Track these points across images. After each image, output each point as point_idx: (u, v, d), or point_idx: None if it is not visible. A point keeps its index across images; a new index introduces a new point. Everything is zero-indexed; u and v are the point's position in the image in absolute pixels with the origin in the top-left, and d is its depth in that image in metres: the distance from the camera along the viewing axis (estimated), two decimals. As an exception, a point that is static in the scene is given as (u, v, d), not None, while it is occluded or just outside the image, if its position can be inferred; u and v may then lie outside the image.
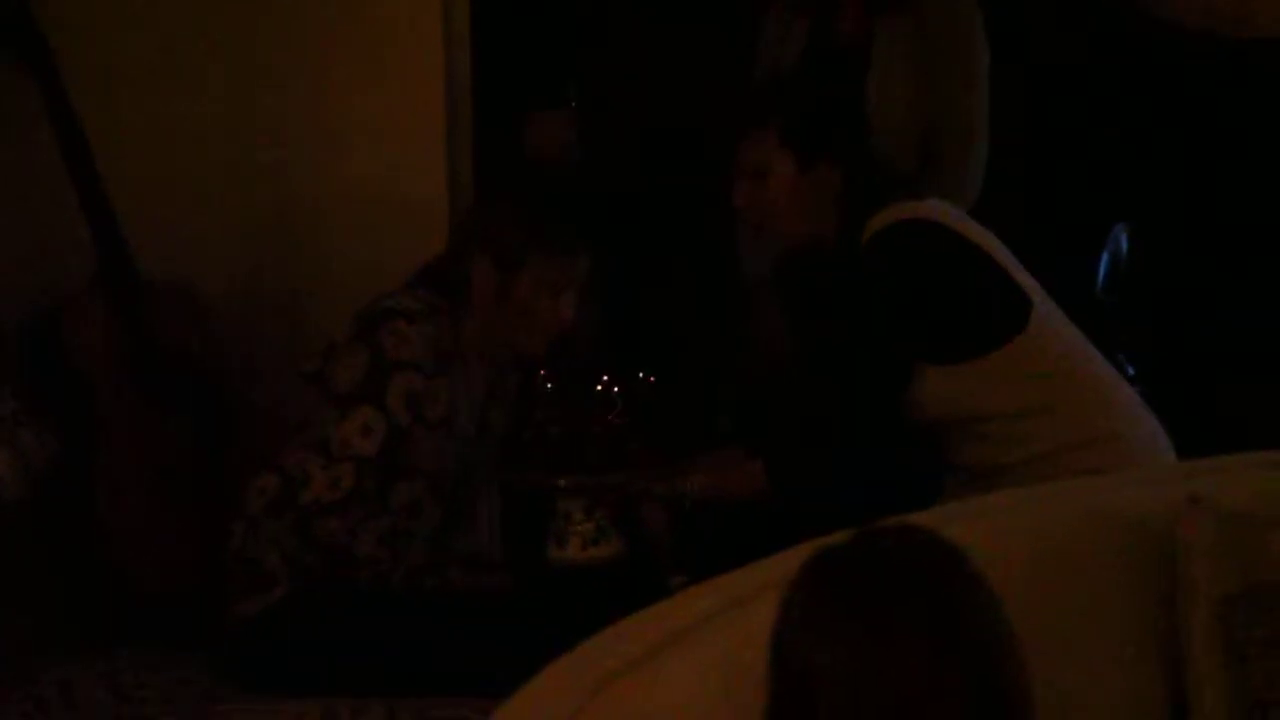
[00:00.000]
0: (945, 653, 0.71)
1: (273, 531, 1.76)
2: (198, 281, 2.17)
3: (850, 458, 1.76)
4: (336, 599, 1.76)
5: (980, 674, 0.72)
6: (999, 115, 2.12)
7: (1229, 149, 2.35)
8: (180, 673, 1.78)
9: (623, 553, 1.91)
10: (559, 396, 1.97)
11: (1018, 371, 1.77)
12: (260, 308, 2.29)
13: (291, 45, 2.28)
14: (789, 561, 0.85)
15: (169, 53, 2.24)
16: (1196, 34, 2.29)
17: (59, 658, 1.81)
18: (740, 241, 2.24)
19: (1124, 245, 2.40)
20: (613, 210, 2.40)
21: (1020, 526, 1.17)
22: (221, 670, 1.78)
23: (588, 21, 2.55)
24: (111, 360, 1.87)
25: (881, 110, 2.02)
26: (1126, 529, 1.16)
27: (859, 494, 1.63)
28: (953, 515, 1.20)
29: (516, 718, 0.93)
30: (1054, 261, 2.01)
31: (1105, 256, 2.41)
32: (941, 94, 2.10)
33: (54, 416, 1.82)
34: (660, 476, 1.88)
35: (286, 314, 2.29)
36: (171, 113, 2.23)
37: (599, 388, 1.96)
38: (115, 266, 1.94)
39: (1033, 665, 0.76)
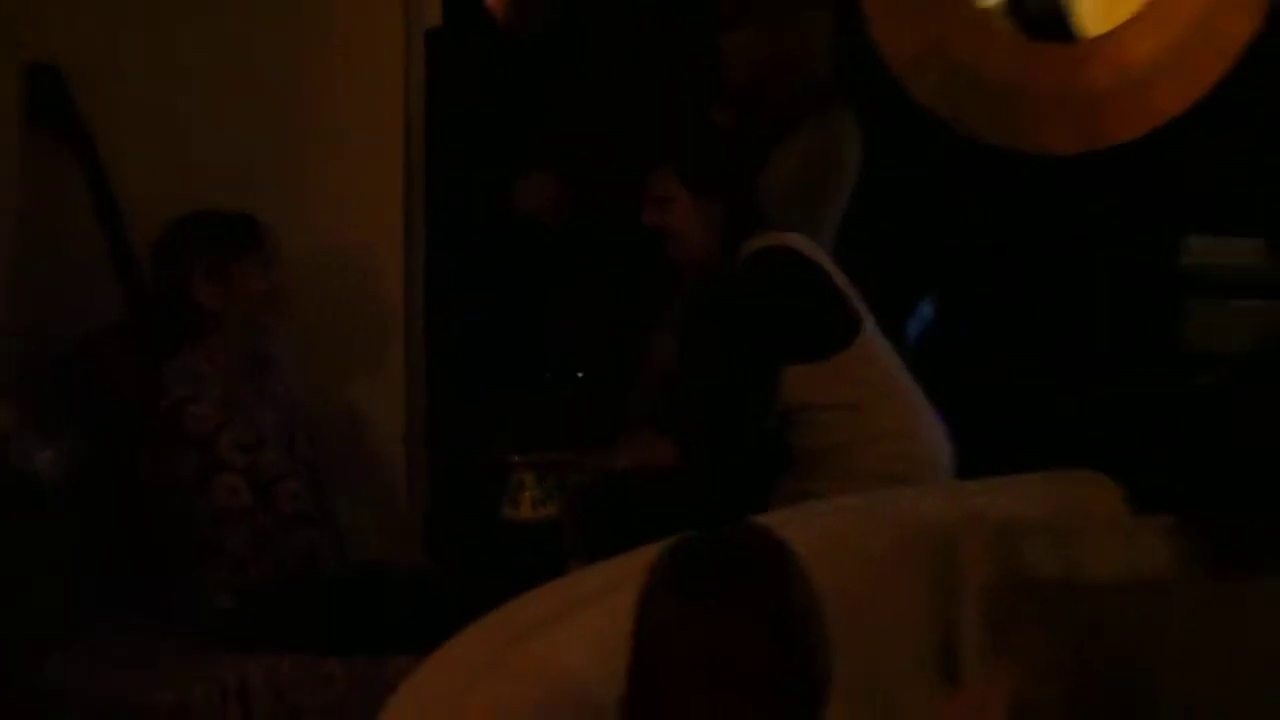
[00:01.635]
0: (765, 631, 0.91)
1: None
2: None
3: (728, 436, 2.09)
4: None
5: (789, 650, 0.91)
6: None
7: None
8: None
9: (555, 515, 2.29)
10: None
11: (840, 375, 2.12)
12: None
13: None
14: (654, 551, 1.09)
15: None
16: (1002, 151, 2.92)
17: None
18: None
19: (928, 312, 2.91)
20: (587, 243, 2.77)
21: (840, 529, 1.47)
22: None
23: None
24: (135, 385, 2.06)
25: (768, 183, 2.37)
26: (921, 535, 1.48)
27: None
28: (786, 519, 1.49)
29: (442, 666, 1.14)
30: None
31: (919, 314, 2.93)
32: (808, 196, 2.47)
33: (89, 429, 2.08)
34: (594, 454, 2.28)
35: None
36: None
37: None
38: (137, 305, 2.16)
39: (836, 638, 0.95)
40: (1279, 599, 1.38)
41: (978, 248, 3.03)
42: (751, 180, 2.27)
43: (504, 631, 1.21)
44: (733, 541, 1.00)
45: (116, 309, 2.21)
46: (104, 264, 2.21)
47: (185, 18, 2.36)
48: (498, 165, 2.77)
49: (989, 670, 1.40)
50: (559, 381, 2.84)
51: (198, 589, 2.03)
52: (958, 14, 3.12)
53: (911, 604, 1.45)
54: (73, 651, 1.96)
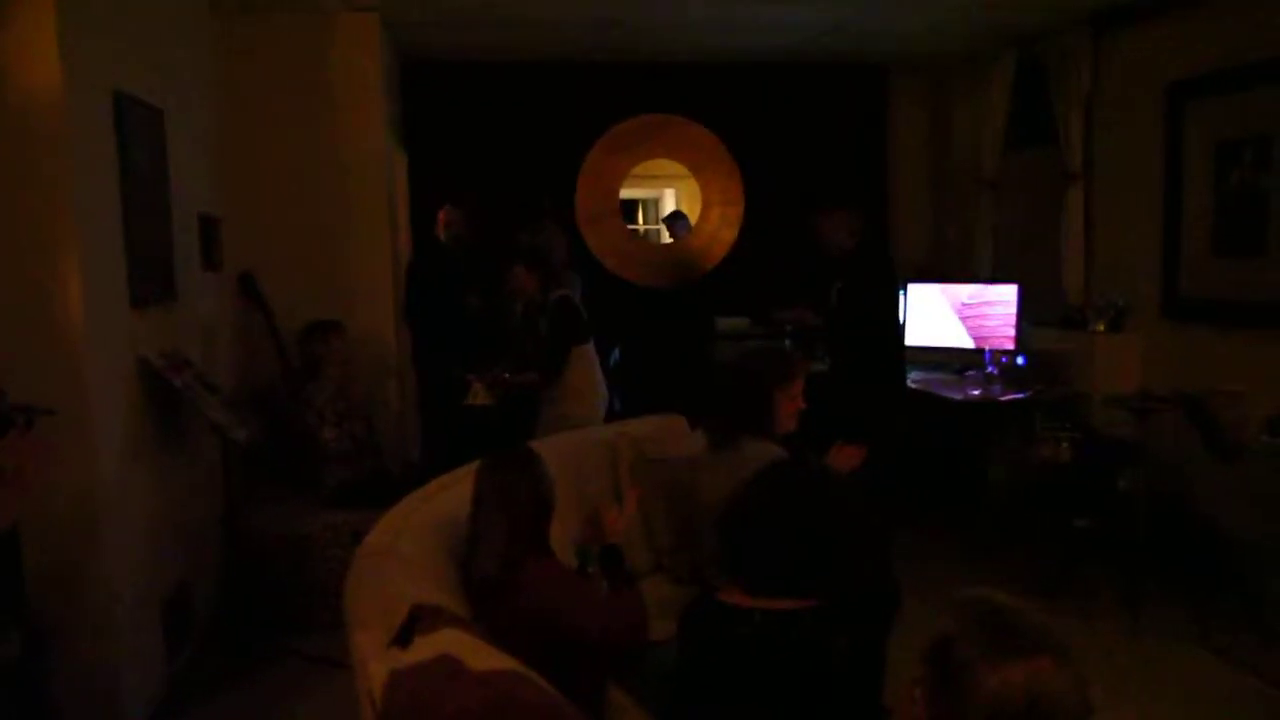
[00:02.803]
0: (526, 483, 2.66)
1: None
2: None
3: None
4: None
5: (535, 491, 2.65)
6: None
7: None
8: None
9: (494, 402, 4.77)
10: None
11: (577, 360, 4.23)
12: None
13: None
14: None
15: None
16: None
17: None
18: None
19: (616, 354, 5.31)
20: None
21: (566, 445, 3.34)
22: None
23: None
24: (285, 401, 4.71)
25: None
26: (599, 441, 3.40)
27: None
28: (543, 444, 3.33)
29: (393, 511, 2.85)
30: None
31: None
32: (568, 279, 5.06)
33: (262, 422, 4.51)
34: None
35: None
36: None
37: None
38: (285, 365, 4.65)
39: (564, 491, 2.79)
40: (742, 458, 3.31)
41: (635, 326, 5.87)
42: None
43: (419, 498, 2.97)
44: (514, 452, 2.80)
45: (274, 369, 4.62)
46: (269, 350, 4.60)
47: (301, 186, 4.92)
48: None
49: (629, 494, 3.27)
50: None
51: (320, 479, 4.36)
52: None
53: (598, 470, 3.36)
54: (261, 509, 4.22)
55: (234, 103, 4.77)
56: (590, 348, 4.76)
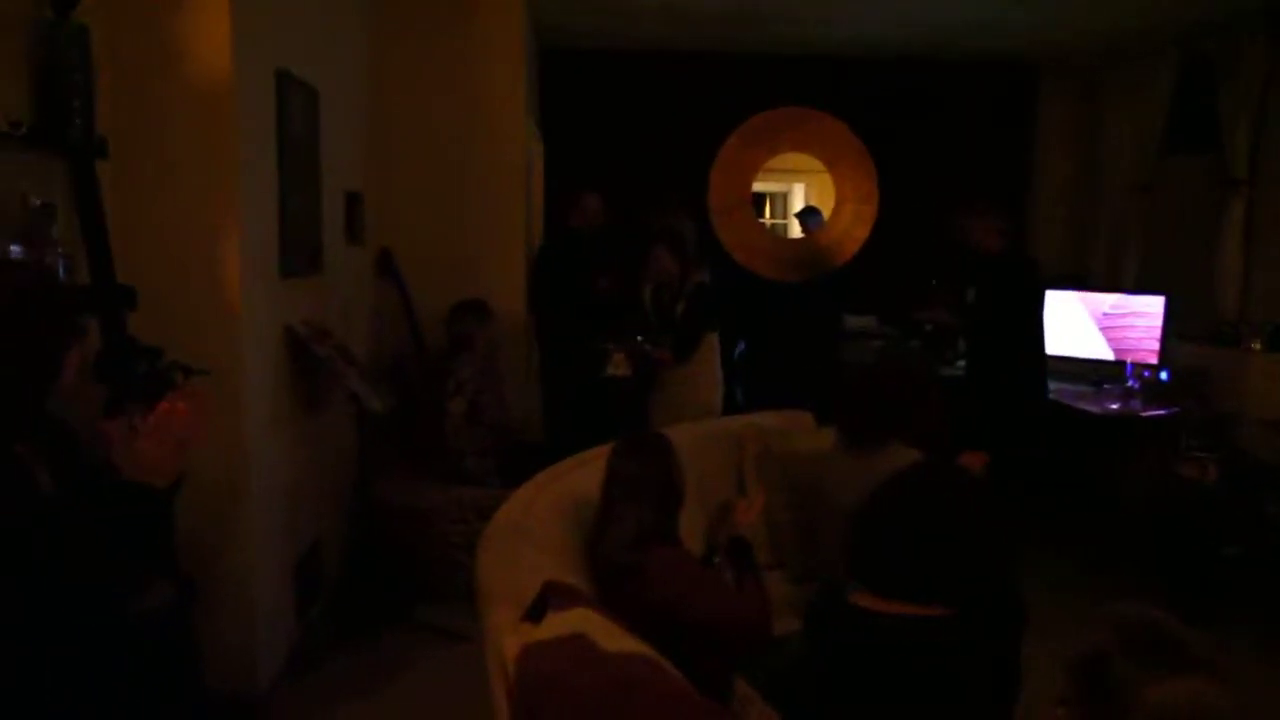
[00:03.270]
0: (658, 470, 2.69)
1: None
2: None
3: None
4: None
5: (667, 479, 2.70)
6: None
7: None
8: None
9: (632, 374, 4.82)
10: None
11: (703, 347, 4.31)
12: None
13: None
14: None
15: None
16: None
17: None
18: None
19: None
20: None
21: (692, 435, 3.33)
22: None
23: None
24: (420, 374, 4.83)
25: None
26: (728, 433, 3.38)
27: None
28: (669, 432, 3.33)
29: (524, 489, 2.89)
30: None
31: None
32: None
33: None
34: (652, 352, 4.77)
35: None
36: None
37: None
38: (418, 343, 4.52)
39: (689, 481, 2.79)
40: (880, 460, 3.25)
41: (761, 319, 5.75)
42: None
43: (551, 476, 3.00)
44: (648, 438, 2.81)
45: (408, 345, 4.79)
46: (402, 326, 4.81)
47: (441, 167, 5.10)
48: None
49: (755, 488, 3.26)
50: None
51: (448, 454, 4.45)
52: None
53: (722, 461, 3.35)
54: (390, 481, 4.35)
55: (381, 82, 4.92)
56: (716, 337, 4.77)
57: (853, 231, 6.72)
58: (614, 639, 1.70)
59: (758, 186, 7.06)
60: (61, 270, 2.54)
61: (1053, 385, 5.33)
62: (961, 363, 5.22)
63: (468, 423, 4.42)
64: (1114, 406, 5.03)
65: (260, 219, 3.37)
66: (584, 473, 2.92)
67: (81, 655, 1.69)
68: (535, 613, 1.83)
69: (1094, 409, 5.01)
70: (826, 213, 6.91)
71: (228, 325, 3.17)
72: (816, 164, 6.79)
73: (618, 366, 4.77)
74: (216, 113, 3.08)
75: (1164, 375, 5.17)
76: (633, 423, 4.44)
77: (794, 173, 7.79)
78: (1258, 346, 4.86)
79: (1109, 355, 5.42)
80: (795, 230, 7.58)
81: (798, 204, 8.51)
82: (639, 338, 4.75)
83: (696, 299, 4.68)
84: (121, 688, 1.88)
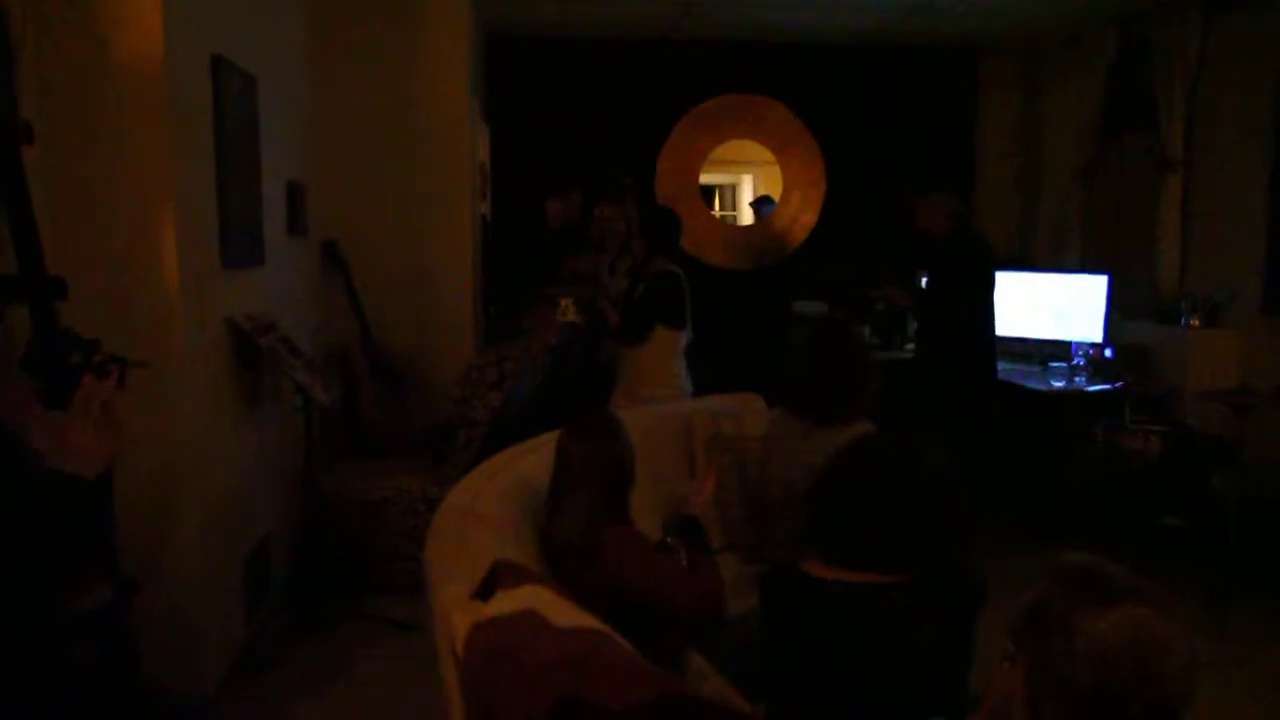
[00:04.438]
0: (607, 451, 2.67)
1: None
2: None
3: None
4: None
5: (617, 460, 2.67)
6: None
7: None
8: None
9: (581, 321, 4.76)
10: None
11: (662, 344, 4.16)
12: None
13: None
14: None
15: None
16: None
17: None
18: None
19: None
20: None
21: (643, 418, 3.32)
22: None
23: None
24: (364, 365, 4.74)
25: None
26: (678, 415, 3.38)
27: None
28: (623, 411, 3.32)
29: (472, 476, 2.86)
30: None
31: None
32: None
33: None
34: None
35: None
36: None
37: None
38: (365, 337, 4.37)
39: (640, 462, 2.78)
40: (827, 435, 3.26)
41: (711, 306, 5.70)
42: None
43: (502, 460, 2.97)
44: (597, 417, 2.79)
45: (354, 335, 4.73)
46: (347, 316, 4.72)
47: (384, 154, 4.95)
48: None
49: (706, 469, 3.25)
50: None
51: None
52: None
53: (673, 444, 3.34)
54: (337, 473, 4.31)
55: (322, 70, 4.84)
56: (680, 336, 4.57)
57: (801, 218, 6.75)
58: (564, 614, 1.68)
59: (707, 179, 7.07)
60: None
61: (1001, 366, 5.42)
62: (910, 345, 5.27)
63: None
64: (1060, 384, 5.10)
65: (198, 208, 3.29)
66: (534, 459, 2.89)
67: (13, 659, 1.62)
68: (484, 591, 1.81)
69: (1040, 387, 5.08)
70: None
71: (167, 317, 3.10)
72: (766, 155, 6.80)
73: (566, 312, 4.69)
74: (149, 98, 3.01)
75: (1108, 353, 5.25)
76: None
77: (743, 164, 7.80)
78: (1196, 323, 4.95)
79: (1055, 334, 5.50)
80: (746, 220, 7.58)
81: (747, 195, 8.53)
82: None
83: (658, 285, 4.50)
84: (56, 692, 1.81)
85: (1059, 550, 1.24)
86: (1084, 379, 5.14)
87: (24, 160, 2.62)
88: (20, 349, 2.55)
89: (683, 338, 4.56)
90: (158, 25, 2.98)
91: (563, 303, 4.70)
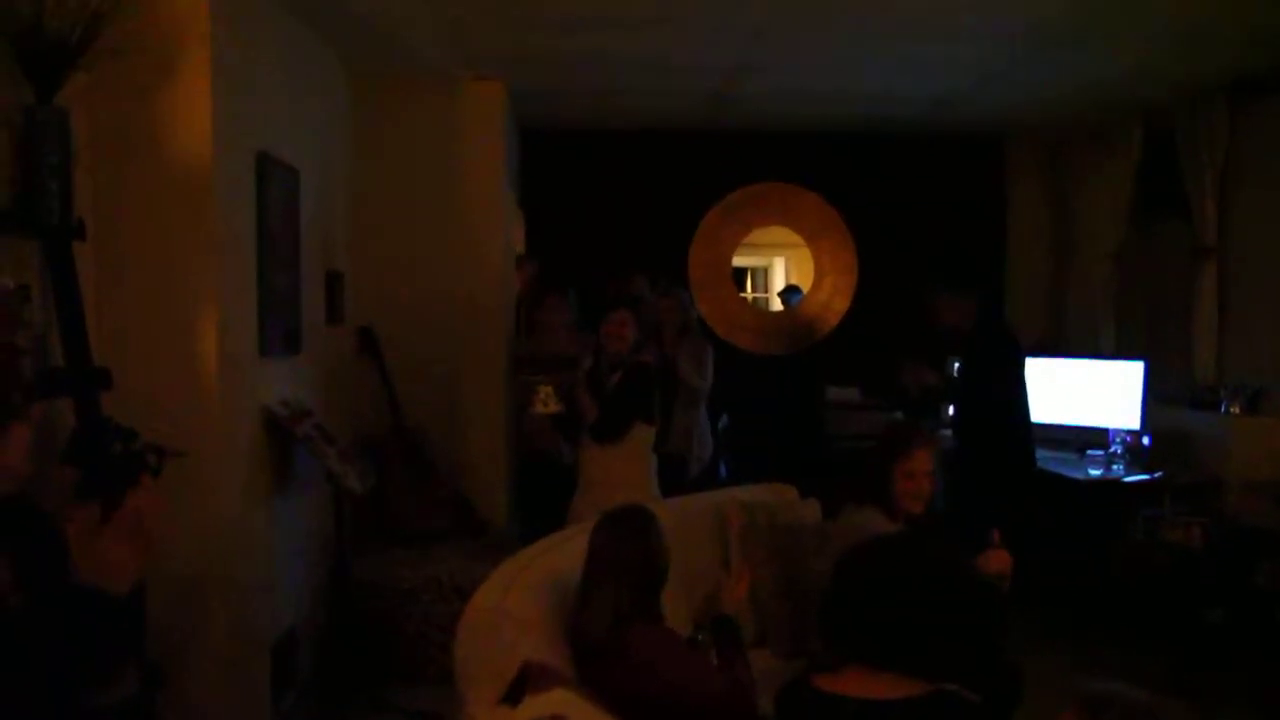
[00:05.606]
0: (640, 547, 2.64)
1: None
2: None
3: None
4: None
5: (649, 556, 2.62)
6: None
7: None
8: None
9: (563, 411, 4.26)
10: None
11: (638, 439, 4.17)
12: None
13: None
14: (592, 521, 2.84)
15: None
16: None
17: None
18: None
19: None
20: None
21: (674, 508, 3.30)
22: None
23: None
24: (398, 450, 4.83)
25: None
26: (710, 507, 3.35)
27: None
28: (654, 505, 3.30)
29: (502, 571, 2.84)
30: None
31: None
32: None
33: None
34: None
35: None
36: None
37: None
38: (397, 419, 4.47)
39: (674, 557, 2.75)
40: (844, 528, 3.20)
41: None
42: None
43: (532, 554, 2.95)
44: (630, 512, 2.76)
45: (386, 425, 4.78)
46: (379, 401, 4.81)
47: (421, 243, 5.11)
48: None
49: (740, 562, 3.21)
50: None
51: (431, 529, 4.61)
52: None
53: (706, 537, 3.31)
54: (367, 561, 4.35)
55: (363, 164, 4.97)
56: (651, 433, 4.17)
57: (833, 303, 6.77)
58: (593, 720, 1.66)
59: (739, 261, 7.14)
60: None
61: (1038, 454, 5.35)
62: (946, 431, 5.21)
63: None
64: (1097, 473, 5.02)
65: (239, 300, 3.36)
66: (566, 549, 2.87)
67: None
68: (514, 695, 1.79)
69: (1078, 475, 5.00)
70: (807, 287, 6.97)
71: (204, 406, 3.14)
72: (796, 239, 6.87)
73: (546, 402, 4.19)
74: (196, 195, 3.10)
75: (1146, 440, 5.18)
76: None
77: (775, 247, 7.88)
78: (1237, 410, 4.88)
79: (1090, 422, 5.44)
80: (777, 306, 7.62)
81: (779, 278, 8.59)
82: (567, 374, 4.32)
83: (635, 376, 4.13)
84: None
85: (1102, 653, 1.21)
86: (1121, 467, 5.05)
87: (75, 255, 2.72)
88: (61, 441, 2.61)
89: (652, 431, 4.18)
90: (207, 126, 3.08)
91: (541, 391, 4.23)
